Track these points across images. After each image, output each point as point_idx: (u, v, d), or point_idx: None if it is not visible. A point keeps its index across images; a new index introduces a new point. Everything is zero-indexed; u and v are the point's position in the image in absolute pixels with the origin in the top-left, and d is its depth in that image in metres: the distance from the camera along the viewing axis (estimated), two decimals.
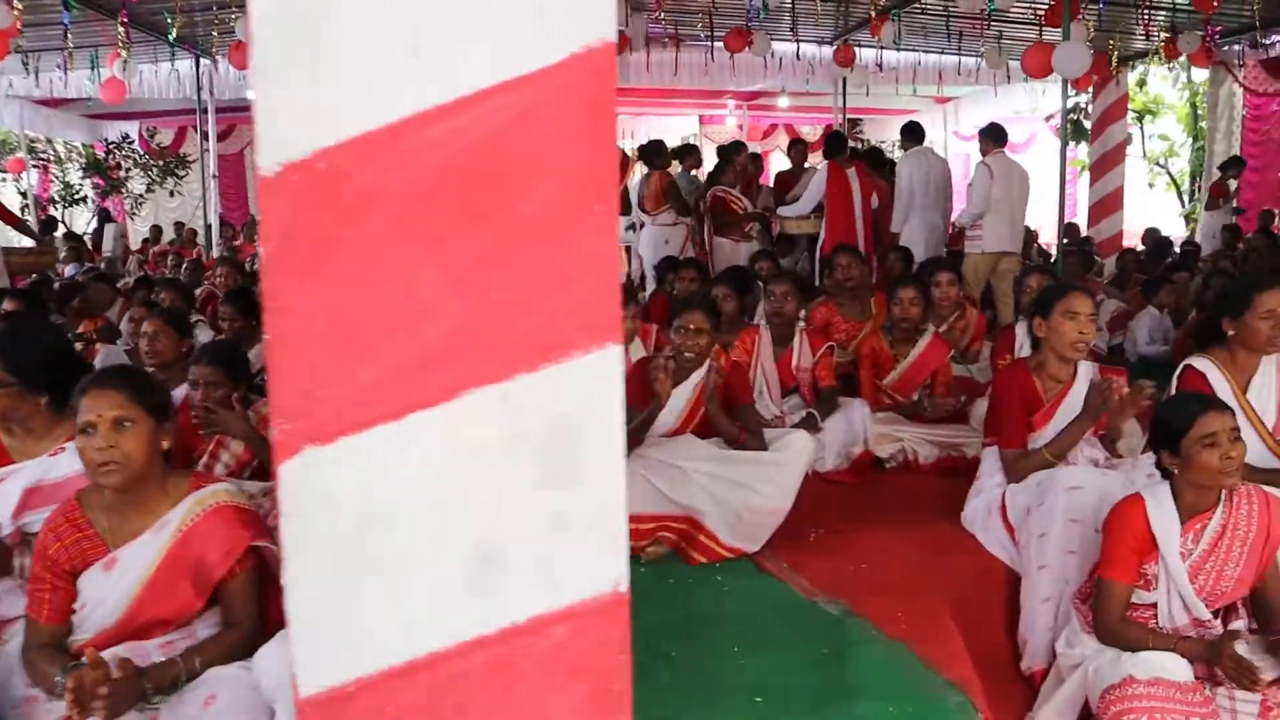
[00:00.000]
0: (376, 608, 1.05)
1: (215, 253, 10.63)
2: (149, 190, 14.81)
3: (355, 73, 0.96)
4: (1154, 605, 2.44)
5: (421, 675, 1.05)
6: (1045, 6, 8.75)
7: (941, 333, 4.72)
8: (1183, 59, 10.35)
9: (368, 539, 1.03)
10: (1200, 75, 14.25)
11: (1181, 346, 5.44)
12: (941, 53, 11.51)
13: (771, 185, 9.11)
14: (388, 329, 0.99)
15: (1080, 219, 12.03)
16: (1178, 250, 10.27)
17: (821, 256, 7.07)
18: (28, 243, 8.98)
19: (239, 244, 11.95)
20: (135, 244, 13.96)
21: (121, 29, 8.62)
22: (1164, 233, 11.74)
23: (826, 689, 2.49)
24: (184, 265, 9.53)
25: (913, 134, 7.69)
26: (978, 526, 3.32)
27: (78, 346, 5.05)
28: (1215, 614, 2.45)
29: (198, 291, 6.88)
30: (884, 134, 15.76)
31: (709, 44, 10.52)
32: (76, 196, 14.73)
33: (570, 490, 1.02)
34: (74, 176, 14.76)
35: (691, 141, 14.19)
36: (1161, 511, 2.41)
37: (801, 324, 4.55)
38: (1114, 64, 10.18)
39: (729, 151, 8.15)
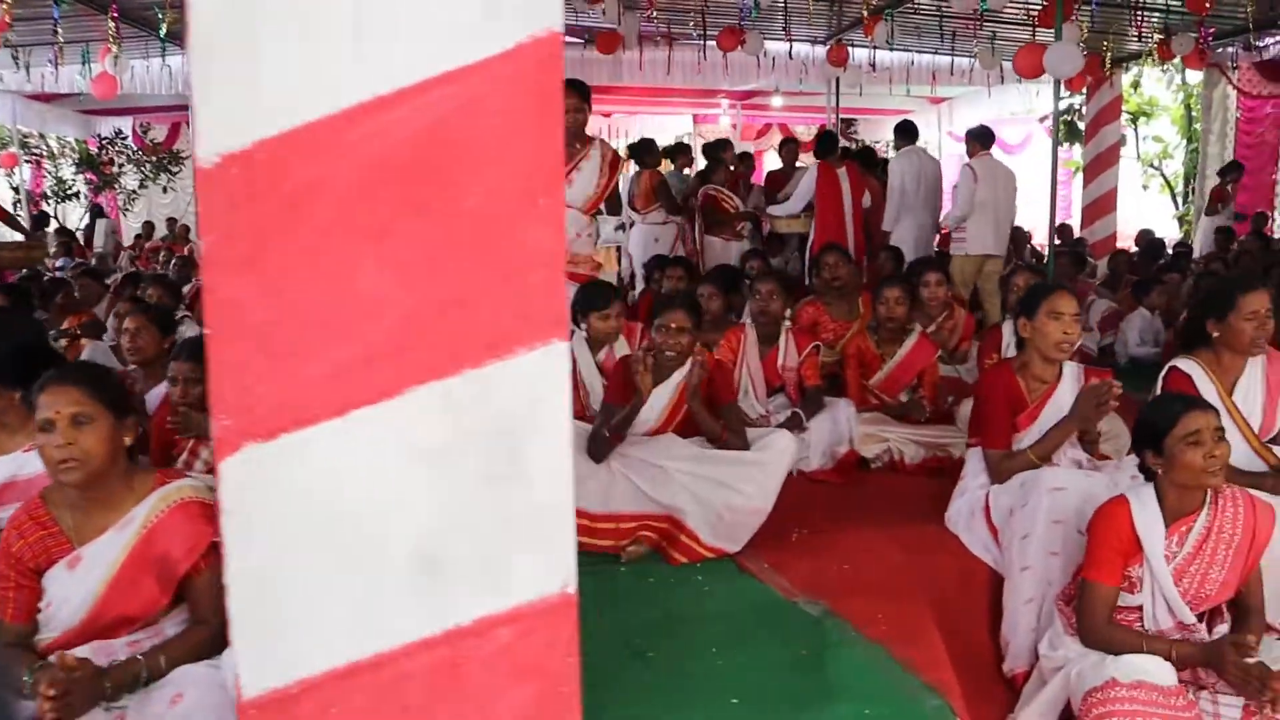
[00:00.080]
0: (320, 608, 1.02)
1: None
2: (142, 186, 14.76)
3: (296, 62, 0.94)
4: (1139, 609, 2.42)
5: (366, 677, 1.03)
6: (1038, 7, 8.74)
7: (929, 333, 4.71)
8: (1177, 61, 10.34)
9: (310, 538, 1.01)
10: (1195, 77, 14.23)
11: (1172, 348, 5.42)
12: (935, 53, 11.51)
13: (762, 184, 9.12)
14: (329, 324, 0.97)
15: (1075, 220, 12.04)
16: (1170, 252, 10.27)
17: (810, 256, 7.06)
18: (19, 238, 8.95)
19: None
20: (128, 240, 13.92)
21: (112, 24, 8.58)
22: (1158, 235, 11.73)
23: (804, 690, 2.48)
24: (173, 261, 9.50)
25: (906, 133, 7.65)
26: (961, 527, 3.30)
27: (62, 342, 5.03)
28: (1200, 617, 2.43)
29: (186, 288, 6.85)
30: (878, 134, 15.77)
31: (702, 43, 10.51)
32: (69, 192, 14.67)
33: (516, 489, 1.00)
34: (67, 172, 14.71)
35: (685, 141, 14.18)
36: (1146, 513, 2.39)
37: (787, 323, 4.53)
38: (1108, 65, 10.17)
39: (715, 149, 8.14)
